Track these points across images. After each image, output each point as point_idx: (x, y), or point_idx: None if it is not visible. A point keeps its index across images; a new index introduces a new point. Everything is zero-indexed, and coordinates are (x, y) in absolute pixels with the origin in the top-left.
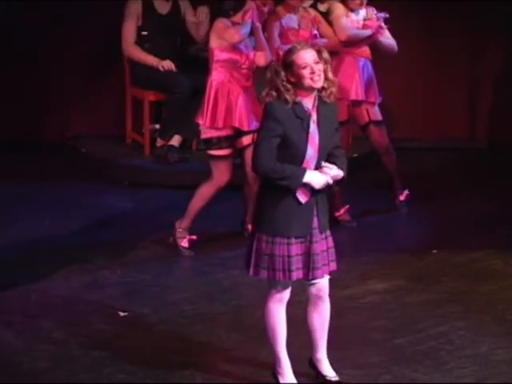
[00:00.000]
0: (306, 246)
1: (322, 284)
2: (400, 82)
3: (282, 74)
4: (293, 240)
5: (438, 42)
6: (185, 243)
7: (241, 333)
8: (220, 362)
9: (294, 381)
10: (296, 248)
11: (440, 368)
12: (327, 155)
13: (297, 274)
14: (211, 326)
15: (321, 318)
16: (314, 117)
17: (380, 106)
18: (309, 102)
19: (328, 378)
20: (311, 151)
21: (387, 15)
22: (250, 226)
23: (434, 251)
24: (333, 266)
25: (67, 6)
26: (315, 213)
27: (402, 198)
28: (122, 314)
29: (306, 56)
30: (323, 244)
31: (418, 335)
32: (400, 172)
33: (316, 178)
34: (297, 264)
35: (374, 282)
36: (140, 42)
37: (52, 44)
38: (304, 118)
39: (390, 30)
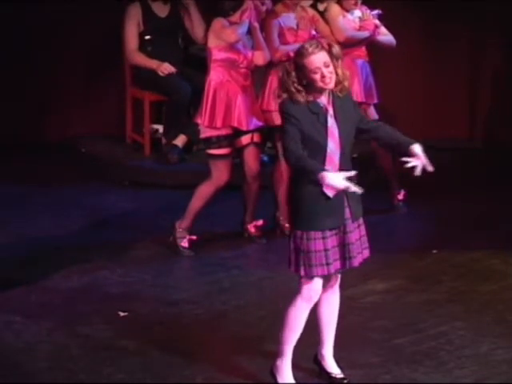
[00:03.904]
0: (340, 236)
1: (336, 275)
2: (400, 82)
3: (293, 74)
4: (327, 233)
5: (437, 42)
6: (185, 243)
7: (241, 333)
8: (220, 361)
9: (293, 381)
10: (331, 241)
11: (440, 368)
12: (366, 133)
13: (334, 266)
14: (211, 325)
15: (330, 310)
16: (331, 111)
17: (379, 106)
18: (323, 99)
19: (333, 375)
20: (332, 145)
21: (380, 12)
22: (250, 226)
23: (434, 251)
24: (366, 253)
25: (67, 7)
26: (346, 204)
27: (400, 197)
28: (121, 313)
29: (317, 61)
30: (357, 233)
31: (418, 335)
32: (396, 172)
33: (334, 181)
34: (334, 256)
35: (375, 281)
36: (143, 46)
37: (52, 44)
38: (320, 113)
39: (385, 25)
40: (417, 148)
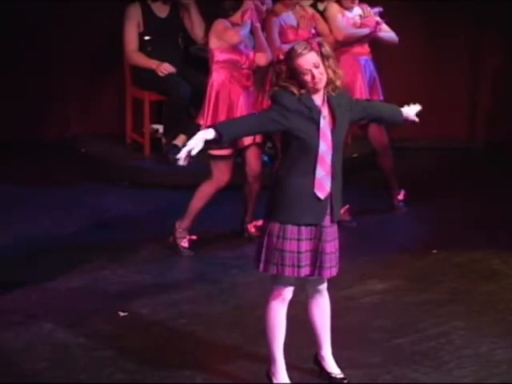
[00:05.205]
0: (315, 243)
1: (321, 279)
2: (400, 81)
3: (284, 75)
4: (303, 235)
5: (438, 42)
6: (185, 243)
7: (241, 333)
8: (220, 361)
9: (287, 381)
10: (306, 245)
11: (440, 368)
12: (373, 119)
13: (305, 271)
14: (211, 325)
15: (322, 314)
16: (325, 112)
17: None
18: (318, 99)
19: (333, 375)
20: (324, 146)
21: (381, 9)
22: (250, 226)
23: (434, 251)
24: (334, 271)
25: (67, 6)
26: (328, 210)
27: (400, 197)
28: (121, 313)
29: (306, 62)
30: (332, 245)
31: (418, 335)
32: (396, 172)
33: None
34: (305, 260)
35: (374, 282)
36: (143, 46)
37: (52, 44)
38: (313, 109)
39: (387, 23)
40: (407, 113)
